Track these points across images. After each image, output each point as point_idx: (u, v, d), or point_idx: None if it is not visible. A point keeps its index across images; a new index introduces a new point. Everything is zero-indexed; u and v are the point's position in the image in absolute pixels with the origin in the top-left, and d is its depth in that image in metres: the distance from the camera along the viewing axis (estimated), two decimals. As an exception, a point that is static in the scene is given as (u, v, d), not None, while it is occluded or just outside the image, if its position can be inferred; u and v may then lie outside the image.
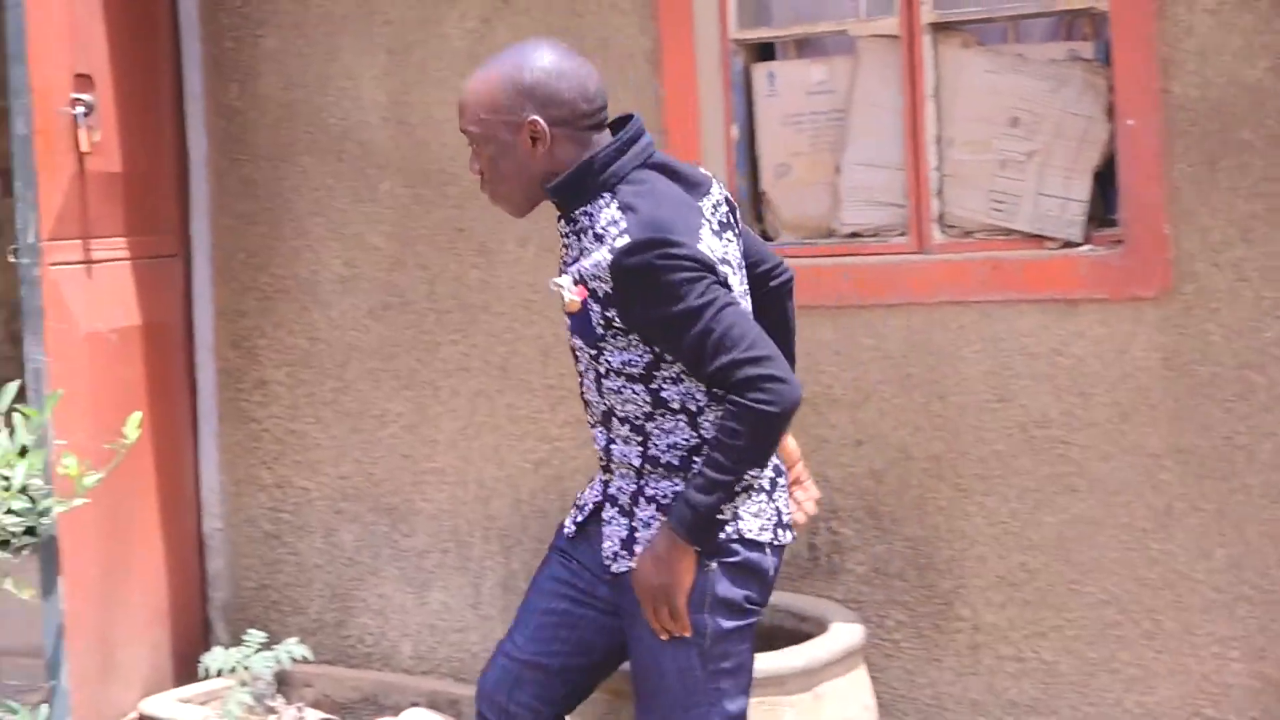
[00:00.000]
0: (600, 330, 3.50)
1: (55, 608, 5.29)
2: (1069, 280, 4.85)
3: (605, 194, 3.53)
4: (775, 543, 3.60)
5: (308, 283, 5.91)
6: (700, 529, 3.45)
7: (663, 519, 3.52)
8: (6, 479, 4.70)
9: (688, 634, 3.51)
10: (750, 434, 3.38)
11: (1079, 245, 4.91)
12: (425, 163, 5.67)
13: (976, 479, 4.95)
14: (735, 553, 3.53)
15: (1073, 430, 4.85)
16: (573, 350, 3.63)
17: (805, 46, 5.40)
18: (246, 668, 5.52)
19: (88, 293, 5.51)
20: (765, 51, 5.42)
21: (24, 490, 4.77)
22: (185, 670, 5.85)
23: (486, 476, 5.60)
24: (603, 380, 3.57)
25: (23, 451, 4.73)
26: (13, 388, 4.70)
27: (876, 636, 5.04)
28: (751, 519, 3.55)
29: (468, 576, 5.69)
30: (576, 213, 3.57)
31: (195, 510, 6.11)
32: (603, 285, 3.45)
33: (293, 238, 5.92)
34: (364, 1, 5.74)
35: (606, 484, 3.70)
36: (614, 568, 3.63)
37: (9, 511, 4.77)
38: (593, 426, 3.70)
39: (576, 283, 3.50)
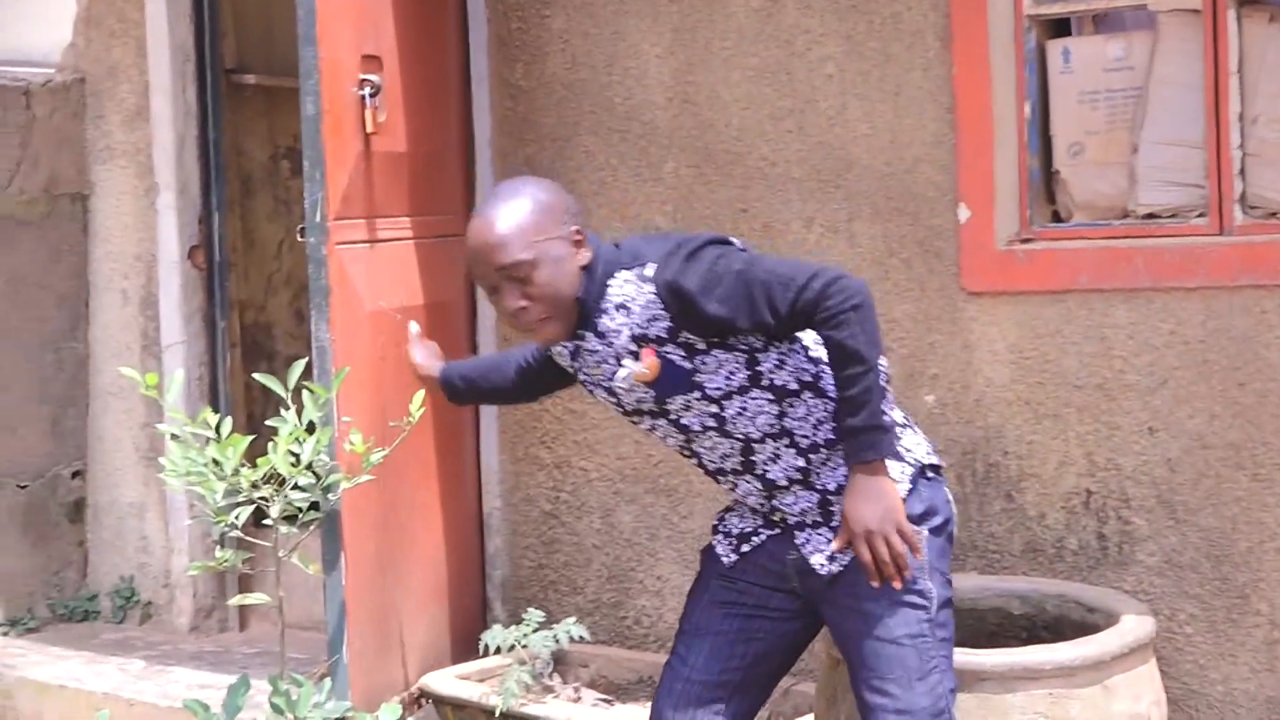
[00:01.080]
0: (689, 365, 3.58)
1: (338, 583, 5.36)
2: (1380, 263, 4.66)
3: (608, 282, 3.64)
4: (941, 465, 3.75)
5: (589, 263, 5.90)
6: (879, 438, 3.49)
7: None
8: (295, 455, 4.77)
9: (920, 555, 3.54)
10: (855, 334, 3.45)
11: (1391, 227, 4.73)
12: (709, 142, 5.62)
13: (1278, 469, 4.78)
14: (917, 485, 3.65)
15: (1383, 420, 4.67)
16: (679, 428, 3.69)
17: (1102, 22, 5.26)
18: (525, 646, 5.53)
19: (372, 272, 5.57)
20: (1060, 27, 5.29)
21: (309, 467, 4.84)
22: (463, 647, 5.89)
23: (766, 460, 5.55)
24: (725, 417, 3.62)
25: (310, 428, 4.80)
26: (300, 365, 4.76)
27: (1167, 630, 4.91)
28: (916, 446, 3.72)
29: (746, 561, 5.64)
30: (596, 319, 3.65)
31: (475, 489, 6.16)
32: (661, 324, 3.56)
33: (575, 218, 5.92)
34: (651, -20, 5.73)
35: (773, 519, 3.75)
36: (835, 568, 3.67)
37: (295, 487, 4.84)
38: (735, 488, 3.76)
39: (638, 353, 3.59)
